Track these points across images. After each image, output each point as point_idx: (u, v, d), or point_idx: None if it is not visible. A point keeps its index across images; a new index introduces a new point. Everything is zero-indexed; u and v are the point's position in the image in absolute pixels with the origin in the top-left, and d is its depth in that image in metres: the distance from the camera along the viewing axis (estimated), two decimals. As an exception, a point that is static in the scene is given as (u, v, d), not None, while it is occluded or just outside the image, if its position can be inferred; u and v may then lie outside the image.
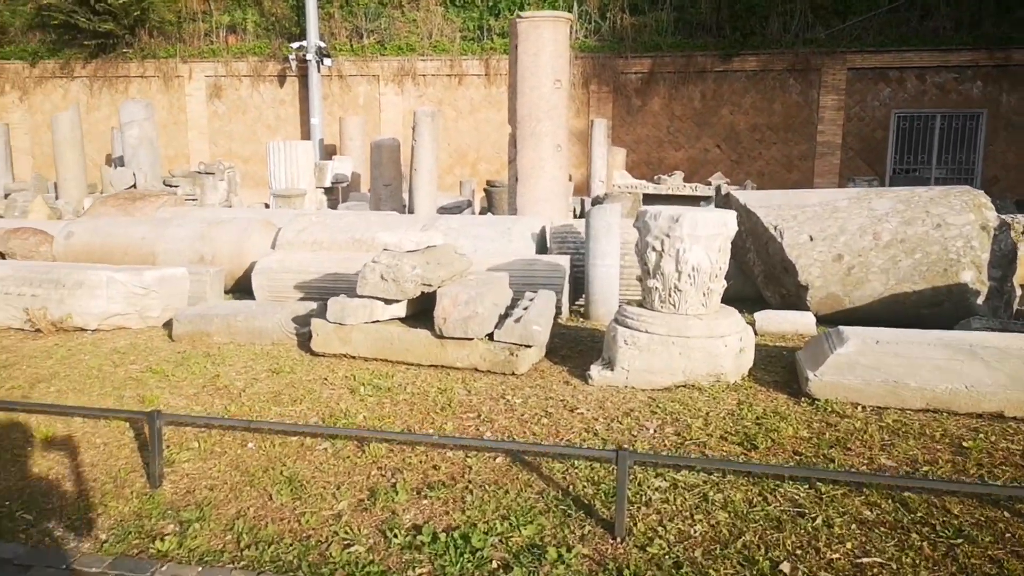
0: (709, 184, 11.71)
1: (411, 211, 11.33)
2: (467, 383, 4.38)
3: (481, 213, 12.89)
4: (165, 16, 16.69)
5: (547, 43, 7.65)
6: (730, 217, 4.28)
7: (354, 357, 4.83)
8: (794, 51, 15.31)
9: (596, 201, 10.43)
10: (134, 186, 12.16)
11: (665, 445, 3.49)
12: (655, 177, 12.58)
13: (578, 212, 11.42)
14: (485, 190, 12.42)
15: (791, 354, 4.88)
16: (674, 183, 11.75)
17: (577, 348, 5.19)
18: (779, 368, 4.60)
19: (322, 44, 15.86)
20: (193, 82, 16.27)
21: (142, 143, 12.26)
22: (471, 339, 4.59)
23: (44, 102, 16.75)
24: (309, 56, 15.67)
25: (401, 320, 4.98)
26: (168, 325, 5.54)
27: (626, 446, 3.47)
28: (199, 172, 13.08)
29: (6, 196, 13.46)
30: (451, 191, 15.58)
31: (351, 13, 16.89)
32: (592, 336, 5.51)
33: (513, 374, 4.53)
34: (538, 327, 4.61)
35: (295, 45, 15.80)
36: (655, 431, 3.63)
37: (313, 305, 5.52)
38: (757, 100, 15.65)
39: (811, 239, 5.83)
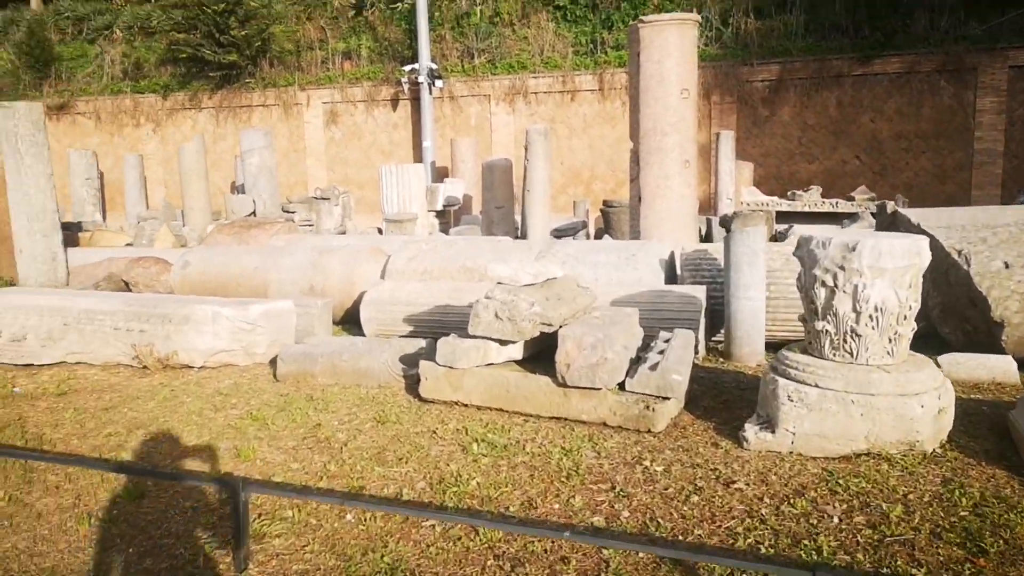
0: (852, 199, 10.56)
1: (523, 234, 10.85)
2: (595, 442, 3.75)
3: (596, 235, 12.24)
4: (285, 46, 17.16)
5: (672, 48, 6.96)
6: (923, 245, 3.46)
7: (466, 405, 4.31)
8: (944, 49, 13.81)
9: (724, 221, 9.57)
10: (253, 213, 12.35)
11: (857, 542, 2.72)
12: (788, 193, 11.53)
13: (703, 233, 10.57)
14: (601, 211, 11.78)
15: (995, 410, 3.96)
16: (811, 199, 10.68)
17: (721, 397, 4.45)
18: (985, 430, 3.70)
19: (433, 66, 15.79)
20: (311, 109, 16.63)
21: (262, 170, 12.47)
22: (599, 389, 3.96)
23: (175, 133, 17.59)
24: (421, 78, 15.63)
25: (518, 363, 4.42)
26: (274, 362, 5.23)
27: (805, 540, 2.74)
28: (315, 198, 13.17)
29: (139, 223, 14.05)
30: (564, 212, 15.03)
31: (462, 34, 16.78)
32: (737, 381, 4.75)
33: (649, 431, 3.86)
34: (678, 376, 3.92)
35: (407, 68, 15.82)
36: (840, 520, 2.87)
37: (422, 343, 5.06)
38: (902, 105, 14.21)
39: (1007, 266, 4.83)
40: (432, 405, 4.36)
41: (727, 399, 4.42)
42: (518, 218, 11.51)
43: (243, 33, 16.01)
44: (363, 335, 6.24)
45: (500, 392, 4.23)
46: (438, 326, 5.83)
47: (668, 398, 3.92)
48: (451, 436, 3.90)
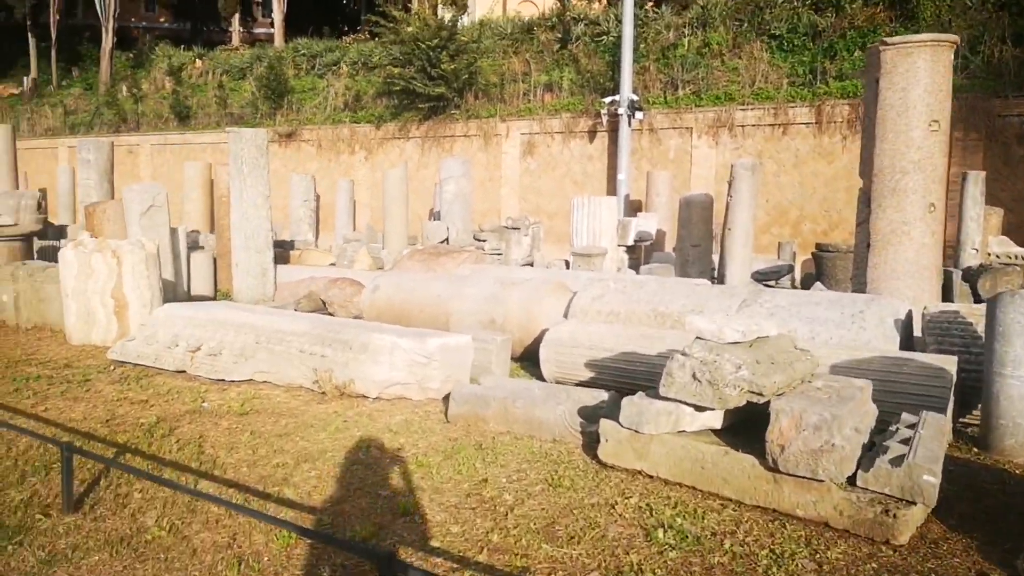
0: None
1: (720, 276, 9.99)
2: (815, 548, 3.00)
3: (803, 282, 11.05)
4: (490, 79, 17.60)
5: (921, 74, 5.95)
6: None
7: (651, 476, 3.70)
8: None
9: (969, 275, 8.13)
10: (447, 240, 12.56)
11: None
12: (1050, 245, 9.67)
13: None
14: (813, 255, 10.61)
15: None
16: (1083, 254, 8.84)
17: (981, 503, 3.49)
18: None
19: (635, 97, 15.38)
20: (509, 140, 16.86)
21: (457, 198, 12.66)
22: (821, 481, 3.20)
23: (384, 160, 18.60)
24: (621, 110, 15.27)
25: (715, 432, 3.75)
26: (447, 400, 4.95)
27: None
28: (505, 227, 13.16)
29: (343, 244, 14.85)
30: (766, 253, 13.85)
31: (667, 65, 16.23)
32: (1000, 482, 3.74)
33: (887, 543, 3.04)
34: (931, 478, 3.07)
35: (607, 100, 15.54)
36: None
37: (604, 395, 4.53)
38: None
39: None
40: (612, 471, 3.80)
41: (989, 506, 3.45)
42: (715, 258, 10.66)
43: (452, 67, 16.62)
44: (541, 376, 5.84)
45: (693, 467, 3.58)
46: (623, 376, 5.28)
47: (914, 502, 3.07)
48: (632, 514, 3.33)
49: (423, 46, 16.48)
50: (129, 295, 7.06)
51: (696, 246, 10.10)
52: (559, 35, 19.36)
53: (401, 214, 13.53)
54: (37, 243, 10.98)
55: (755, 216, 10.80)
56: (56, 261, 7.40)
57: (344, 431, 4.46)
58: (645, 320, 5.89)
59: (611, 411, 4.01)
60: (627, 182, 15.49)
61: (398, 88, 17.47)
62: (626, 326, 5.76)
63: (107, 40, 32.82)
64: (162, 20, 49.90)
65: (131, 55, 34.99)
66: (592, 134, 16.32)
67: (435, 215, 15.26)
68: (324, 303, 9.05)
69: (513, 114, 16.93)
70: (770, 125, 14.83)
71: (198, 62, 28.96)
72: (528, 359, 6.51)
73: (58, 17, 36.21)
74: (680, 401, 3.65)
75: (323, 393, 5.21)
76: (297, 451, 4.17)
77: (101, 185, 12.89)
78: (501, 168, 17.27)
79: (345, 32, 31.31)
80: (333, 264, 12.03)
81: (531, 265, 12.62)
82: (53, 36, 36.45)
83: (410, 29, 16.73)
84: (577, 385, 5.58)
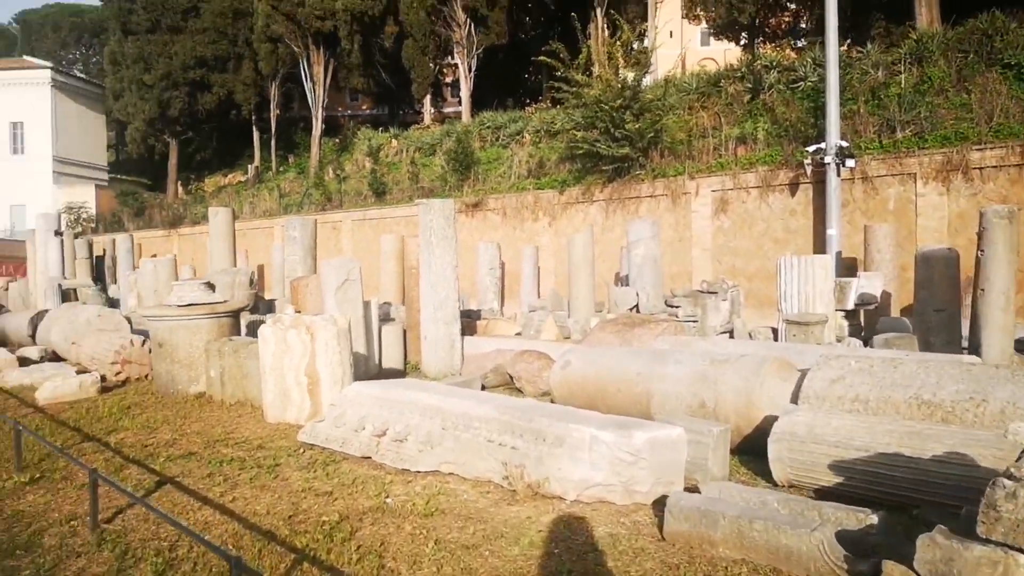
0: None
1: (973, 346, 8.32)
2: None
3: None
4: (676, 136, 16.87)
5: None
6: None
7: (968, 652, 2.62)
8: None
9: None
10: (636, 306, 11.77)
11: None
12: None
13: None
14: (1098, 318, 8.57)
15: None
16: None
17: None
18: None
19: (843, 144, 13.89)
20: (699, 198, 15.90)
21: (646, 261, 11.90)
22: None
23: (567, 226, 18.31)
24: (827, 159, 13.83)
25: (1064, 593, 2.61)
26: (658, 507, 4.12)
27: None
28: (700, 291, 12.14)
29: (530, 312, 14.51)
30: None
31: (879, 106, 14.60)
32: None
33: None
34: None
35: (811, 148, 14.17)
36: None
37: (870, 516, 3.49)
38: None
39: None
40: (903, 637, 2.77)
41: None
42: (964, 323, 8.97)
43: (637, 126, 16.09)
44: (768, 474, 4.84)
45: (1040, 649, 2.48)
46: (882, 484, 4.18)
47: None
48: None
49: (606, 107, 16.14)
50: (321, 372, 6.96)
51: (940, 311, 8.53)
52: (749, 85, 18.30)
53: (587, 280, 12.96)
54: (249, 317, 11.62)
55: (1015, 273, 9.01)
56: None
57: (540, 547, 3.77)
58: (904, 410, 4.72)
59: (894, 549, 2.99)
60: (838, 238, 13.89)
61: (581, 151, 17.19)
62: (882, 419, 4.62)
63: (316, 128, 36.14)
64: (364, 107, 54.63)
65: (337, 140, 38.29)
66: (794, 187, 14.93)
67: (622, 280, 14.55)
68: (511, 377, 8.58)
69: (703, 171, 15.98)
70: (1016, 166, 12.67)
71: (393, 142, 30.92)
72: (749, 452, 5.51)
73: (277, 112, 40.63)
74: (1011, 547, 2.58)
75: (513, 491, 4.57)
76: (488, 572, 3.52)
77: (305, 260, 13.56)
78: (691, 228, 16.29)
79: (527, 103, 32.16)
80: (519, 334, 11.64)
81: (731, 333, 11.45)
82: (273, 128, 40.87)
83: (592, 92, 16.49)
84: (817, 491, 4.53)
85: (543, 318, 11.94)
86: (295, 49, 35.00)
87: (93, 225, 38.72)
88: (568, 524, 4.05)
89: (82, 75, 52.73)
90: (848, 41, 19.35)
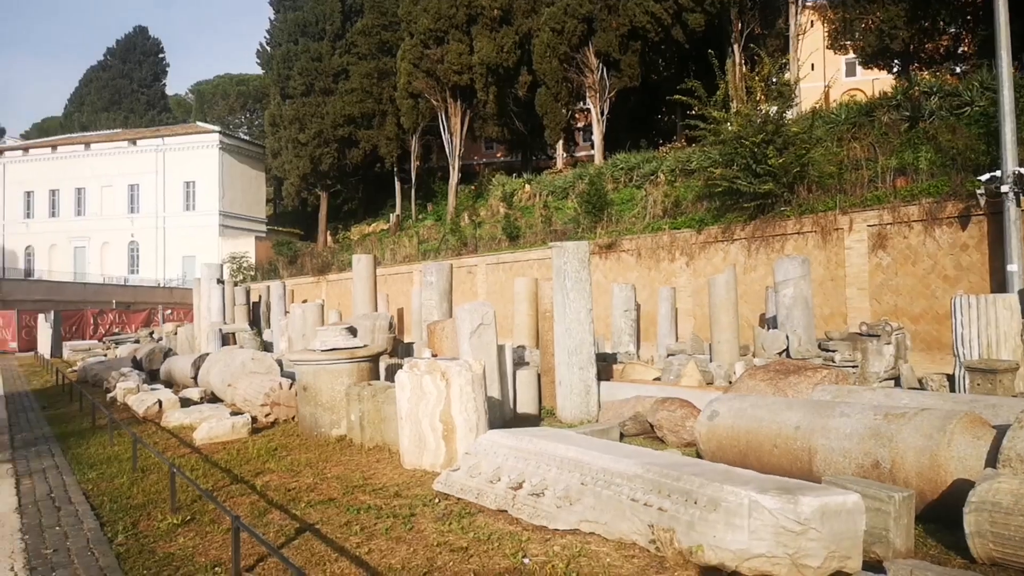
0: None
1: None
2: None
3: None
4: (825, 169, 15.84)
5: None
6: None
7: None
8: None
9: None
10: (786, 350, 10.94)
11: None
12: None
13: None
14: None
15: None
16: None
17: None
18: None
19: (1021, 171, 12.45)
20: (853, 234, 14.73)
21: (796, 302, 11.07)
22: None
23: (706, 265, 17.56)
24: (1003, 188, 12.42)
25: None
26: (832, 587, 3.58)
27: None
28: (860, 334, 11.13)
29: (668, 356, 13.91)
30: None
31: (1064, 126, 13.02)
32: None
33: None
34: None
35: (984, 177, 12.80)
36: None
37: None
38: None
39: None
40: None
41: None
42: None
43: (780, 161, 15.25)
44: (962, 546, 4.14)
45: None
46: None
47: None
48: None
49: (747, 143, 15.43)
50: (456, 418, 6.85)
51: None
52: (907, 113, 16.97)
53: (730, 322, 12.25)
54: (388, 360, 11.85)
55: None
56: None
57: (695, 626, 3.33)
58: None
59: None
60: (1020, 275, 12.37)
61: (720, 189, 16.48)
62: (1114, 491, 3.84)
63: (453, 177, 37.38)
64: (498, 155, 56.19)
65: (472, 187, 39.43)
66: (964, 219, 13.51)
67: (768, 322, 13.67)
68: (651, 426, 8.10)
69: (857, 205, 14.81)
70: None
71: (527, 187, 31.33)
72: (933, 520, 4.79)
73: (417, 163, 42.53)
74: None
75: (662, 557, 4.16)
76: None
77: (441, 305, 13.75)
78: (844, 266, 15.11)
79: (659, 144, 31.69)
80: (658, 379, 11.11)
81: (896, 380, 10.35)
82: (413, 178, 42.73)
83: (732, 128, 15.85)
84: (1030, 574, 3.80)
85: (683, 363, 11.34)
86: (434, 103, 36.54)
87: (252, 273, 41.83)
88: (726, 601, 3.59)
89: (245, 137, 57.77)
90: (1016, 63, 17.61)
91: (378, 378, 9.11)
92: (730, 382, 10.60)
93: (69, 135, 59.63)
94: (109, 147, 52.05)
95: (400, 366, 9.22)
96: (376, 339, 12.53)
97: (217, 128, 52.65)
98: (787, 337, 10.86)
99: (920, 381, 9.97)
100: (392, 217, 42.84)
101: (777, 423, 5.89)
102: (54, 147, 54.12)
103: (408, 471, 6.85)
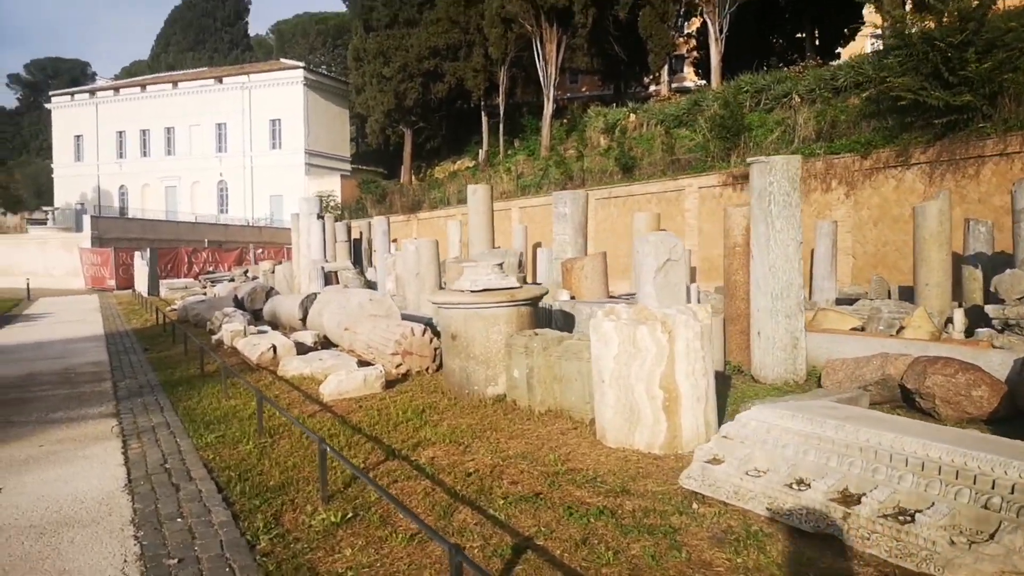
0: None
1: None
2: None
3: None
4: (1043, 75, 12.86)
5: None
6: None
7: None
8: None
9: None
10: (1033, 296, 8.67)
11: None
12: None
13: None
14: None
15: None
16: None
17: None
18: None
19: None
20: (1081, 154, 12.03)
21: (1049, 236, 8.75)
22: None
23: (872, 196, 15.08)
24: None
25: None
26: None
27: None
28: None
29: (846, 303, 11.78)
30: None
31: None
32: None
33: None
34: None
35: None
36: None
37: None
38: None
39: None
40: None
41: None
42: None
43: (985, 66, 12.49)
44: None
45: None
46: None
47: None
48: None
49: (941, 45, 12.68)
50: (681, 384, 5.09)
51: None
52: None
53: (943, 261, 10.03)
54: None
55: None
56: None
57: None
58: None
59: None
60: None
61: (905, 102, 13.53)
62: None
63: (548, 108, 35.05)
64: (583, 89, 53.18)
65: (564, 121, 37.07)
66: None
67: (971, 260, 11.29)
68: (911, 392, 6.15)
69: (1087, 117, 12.05)
70: None
71: (632, 116, 28.84)
72: None
73: (505, 98, 40.26)
74: None
75: None
76: None
77: (576, 240, 11.96)
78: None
79: (781, 66, 28.45)
80: (858, 328, 9.06)
81: None
82: (502, 113, 40.58)
83: (927, 26, 13.05)
84: None
85: (894, 310, 9.25)
86: (528, 27, 34.05)
87: (339, 212, 40.96)
88: None
89: (329, 73, 56.52)
90: None
91: (536, 326, 7.42)
92: (967, 335, 8.47)
93: (156, 75, 59.77)
94: (195, 85, 51.72)
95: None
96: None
97: (301, 64, 51.49)
98: (1037, 279, 8.57)
99: None
100: (481, 153, 41.00)
101: None
102: (143, 87, 54.21)
103: (613, 450, 5.18)
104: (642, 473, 4.67)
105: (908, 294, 11.74)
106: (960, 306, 10.03)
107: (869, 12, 13.85)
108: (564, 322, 8.59)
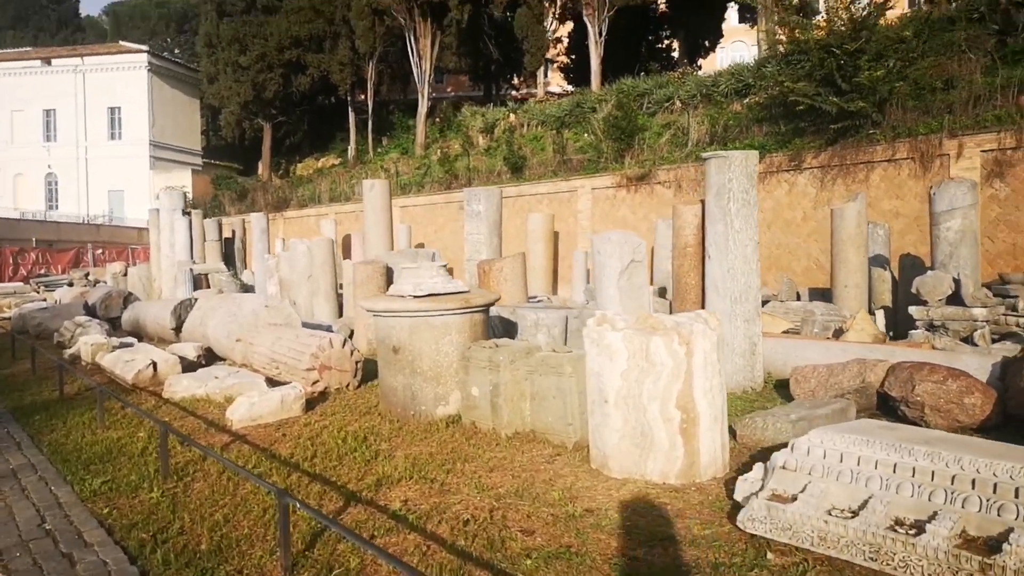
0: None
1: None
2: None
3: None
4: (930, 83, 13.39)
5: None
6: None
7: None
8: None
9: None
10: (952, 296, 8.88)
11: None
12: None
13: None
14: None
15: None
16: None
17: None
18: None
19: None
20: (963, 160, 12.75)
21: (964, 238, 8.99)
22: None
23: (765, 199, 15.26)
24: None
25: None
26: None
27: None
28: (1033, 277, 9.15)
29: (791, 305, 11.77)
30: None
31: None
32: None
33: None
34: None
35: None
36: None
37: None
38: None
39: None
40: None
41: None
42: None
43: (877, 74, 12.94)
44: None
45: None
46: None
47: None
48: None
49: (837, 52, 13.04)
50: (699, 403, 4.43)
51: None
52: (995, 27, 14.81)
53: (861, 263, 10.16)
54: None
55: None
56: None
57: None
58: None
59: None
60: None
61: (802, 107, 13.80)
62: None
63: (423, 106, 33.91)
64: (448, 89, 52.40)
65: (435, 120, 36.07)
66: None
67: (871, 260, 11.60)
68: (898, 402, 5.85)
69: (968, 127, 12.78)
70: None
71: (511, 116, 28.40)
72: None
73: (373, 94, 38.62)
74: None
75: None
76: None
77: (491, 240, 11.18)
78: (933, 200, 13.12)
79: (658, 70, 29.10)
80: (790, 331, 8.91)
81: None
82: (370, 109, 38.93)
83: (819, 34, 13.38)
84: None
85: (826, 312, 9.18)
86: (401, 21, 32.79)
87: (190, 209, 37.60)
88: None
89: (176, 59, 52.03)
90: None
91: (486, 336, 6.55)
92: (894, 338, 8.50)
93: (-32, 53, 52.48)
94: (18, 66, 45.83)
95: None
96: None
97: (146, 48, 46.97)
98: (955, 280, 8.78)
99: None
100: (350, 150, 39.16)
101: None
102: (-48, 65, 47.41)
103: (620, 481, 4.44)
104: (673, 512, 3.95)
105: (816, 296, 11.91)
106: (870, 309, 10.21)
107: (746, 28, 14.13)
108: (504, 330, 7.76)
